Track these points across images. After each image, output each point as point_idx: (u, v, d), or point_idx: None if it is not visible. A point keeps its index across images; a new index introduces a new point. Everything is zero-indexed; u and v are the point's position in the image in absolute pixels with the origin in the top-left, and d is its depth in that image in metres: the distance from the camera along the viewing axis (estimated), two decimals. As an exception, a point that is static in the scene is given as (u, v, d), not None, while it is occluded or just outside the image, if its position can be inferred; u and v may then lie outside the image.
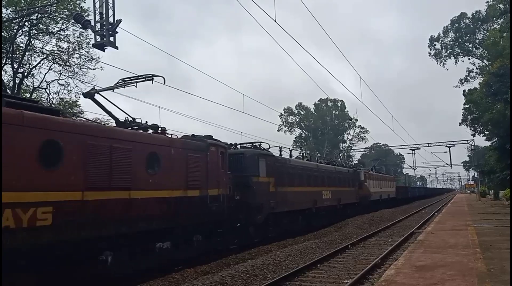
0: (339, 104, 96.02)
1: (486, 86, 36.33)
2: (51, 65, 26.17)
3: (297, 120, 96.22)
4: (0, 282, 7.12)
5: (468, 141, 50.85)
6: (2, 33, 21.21)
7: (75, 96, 27.84)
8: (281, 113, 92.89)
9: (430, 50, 57.83)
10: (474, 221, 20.04)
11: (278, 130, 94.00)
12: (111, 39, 11.28)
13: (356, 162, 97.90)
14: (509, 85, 29.81)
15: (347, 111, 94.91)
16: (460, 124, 44.41)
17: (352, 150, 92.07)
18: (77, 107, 29.80)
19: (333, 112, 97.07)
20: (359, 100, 26.14)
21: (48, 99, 27.51)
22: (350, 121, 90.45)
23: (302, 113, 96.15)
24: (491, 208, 31.64)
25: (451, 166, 56.34)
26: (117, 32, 11.26)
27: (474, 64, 55.18)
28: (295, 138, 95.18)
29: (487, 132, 41.18)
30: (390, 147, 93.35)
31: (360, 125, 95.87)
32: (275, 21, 12.63)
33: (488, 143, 45.53)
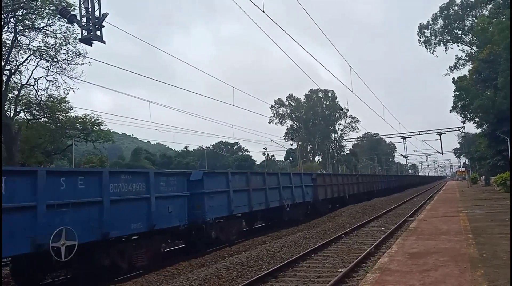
0: (329, 95, 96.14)
1: (475, 73, 36.60)
2: (39, 62, 25.81)
3: (288, 111, 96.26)
4: (0, 282, 7.05)
5: (459, 128, 51.28)
6: None
7: (64, 92, 27.51)
8: (271, 104, 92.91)
9: (420, 37, 58.01)
10: (465, 207, 20.25)
11: (270, 122, 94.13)
12: (98, 33, 11.08)
13: (348, 152, 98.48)
14: (499, 72, 30.02)
15: (337, 102, 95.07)
16: (450, 111, 44.70)
17: (343, 140, 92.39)
18: (65, 103, 29.48)
19: (324, 102, 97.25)
20: (349, 89, 26.10)
21: (37, 96, 27.15)
22: (341, 111, 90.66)
23: (293, 104, 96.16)
24: (482, 194, 32.02)
25: (442, 154, 56.73)
26: (103, 26, 11.07)
27: (464, 51, 55.52)
28: (287, 129, 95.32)
29: (477, 119, 41.52)
30: (381, 136, 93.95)
31: (351, 115, 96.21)
32: (263, 11, 12.50)
33: (478, 130, 46.00)
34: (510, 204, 16.64)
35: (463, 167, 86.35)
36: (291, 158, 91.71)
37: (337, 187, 26.82)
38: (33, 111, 28.97)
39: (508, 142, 29.41)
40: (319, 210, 23.07)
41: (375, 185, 40.34)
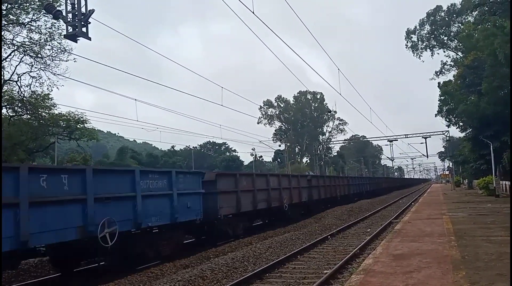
0: (318, 97, 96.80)
1: (460, 78, 37.24)
2: (22, 57, 25.34)
3: (277, 112, 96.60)
4: (0, 282, 6.94)
5: (444, 132, 52.15)
6: None
7: (47, 89, 27.07)
8: (260, 105, 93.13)
9: (407, 42, 58.86)
10: (449, 210, 20.55)
11: (258, 123, 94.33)
12: (84, 29, 10.90)
13: (335, 154, 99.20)
14: (484, 78, 30.58)
15: (326, 104, 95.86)
16: (436, 115, 45.42)
17: (331, 142, 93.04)
18: (49, 100, 29.01)
19: (313, 104, 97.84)
20: (338, 92, 26.31)
21: (19, 92, 26.65)
22: (329, 113, 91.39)
23: (282, 105, 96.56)
24: (465, 197, 32.56)
25: (427, 157, 57.57)
26: (89, 23, 10.89)
27: (449, 57, 56.53)
28: (275, 130, 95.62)
29: (461, 123, 42.25)
30: (368, 139, 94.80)
31: (339, 117, 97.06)
32: (253, 12, 12.48)
33: (462, 134, 46.81)
34: (510, 207, 16.83)
35: (447, 170, 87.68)
36: (279, 159, 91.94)
37: (267, 193, 18.28)
38: (16, 108, 28.41)
39: (491, 146, 29.94)
40: (224, 233, 14.86)
41: (340, 190, 31.77)
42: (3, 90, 26.60)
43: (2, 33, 24.23)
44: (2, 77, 25.68)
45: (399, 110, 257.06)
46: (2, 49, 24.77)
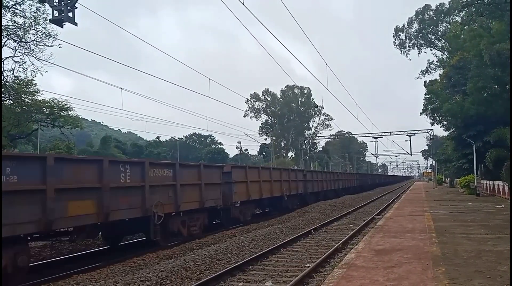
0: (305, 91, 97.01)
1: (446, 77, 37.73)
2: (6, 41, 24.61)
3: (264, 106, 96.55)
4: (0, 282, 6.89)
5: (428, 131, 52.92)
6: None
7: (31, 74, 26.43)
8: (247, 98, 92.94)
9: (395, 40, 59.26)
10: (430, 207, 20.90)
11: (245, 116, 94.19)
12: (70, 14, 10.64)
13: (321, 149, 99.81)
14: (469, 77, 31.03)
15: (313, 99, 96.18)
16: (420, 113, 46.00)
17: (316, 137, 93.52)
18: (33, 86, 28.34)
19: (299, 99, 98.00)
20: (325, 87, 26.41)
21: (2, 77, 25.94)
22: (316, 109, 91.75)
23: (269, 99, 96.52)
24: (446, 195, 33.16)
25: (411, 155, 58.54)
26: (76, 8, 10.63)
27: (436, 56, 57.20)
28: (261, 124, 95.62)
29: (445, 122, 42.89)
30: (353, 135, 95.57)
31: (325, 113, 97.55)
32: (243, 3, 12.36)
33: (446, 133, 47.57)
34: (510, 208, 17.15)
35: (430, 168, 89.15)
36: (264, 153, 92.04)
37: (99, 197, 9.50)
38: (-2, 93, 27.68)
39: (474, 146, 30.51)
40: None
41: (290, 187, 23.21)
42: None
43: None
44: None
45: (384, 107, 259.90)
46: None
